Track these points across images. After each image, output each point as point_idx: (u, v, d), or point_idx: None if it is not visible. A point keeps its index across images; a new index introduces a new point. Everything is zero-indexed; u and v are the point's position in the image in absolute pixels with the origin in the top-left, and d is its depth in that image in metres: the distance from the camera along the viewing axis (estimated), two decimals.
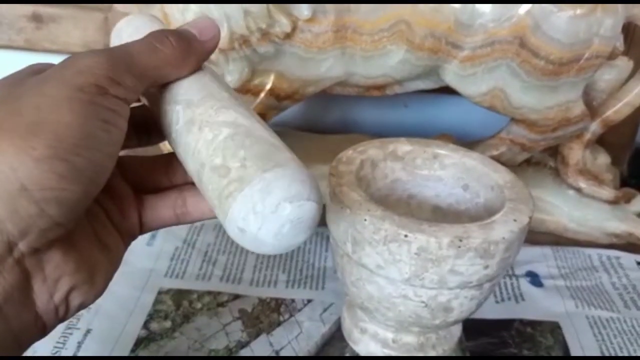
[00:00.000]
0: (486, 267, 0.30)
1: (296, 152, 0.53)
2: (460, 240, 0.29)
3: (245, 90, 0.45)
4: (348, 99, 0.69)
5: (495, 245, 0.29)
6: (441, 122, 0.63)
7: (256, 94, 0.45)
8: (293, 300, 0.42)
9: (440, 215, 0.38)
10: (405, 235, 0.29)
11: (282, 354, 0.37)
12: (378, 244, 0.30)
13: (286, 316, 0.40)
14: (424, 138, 0.39)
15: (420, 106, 0.69)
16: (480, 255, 0.29)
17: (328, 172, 0.34)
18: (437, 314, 0.32)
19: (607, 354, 0.39)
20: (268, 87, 0.45)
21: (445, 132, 0.54)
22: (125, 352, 0.36)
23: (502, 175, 0.35)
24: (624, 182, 0.56)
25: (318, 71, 0.44)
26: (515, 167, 0.51)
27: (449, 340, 0.37)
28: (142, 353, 0.36)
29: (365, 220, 0.30)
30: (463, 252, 0.29)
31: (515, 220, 0.31)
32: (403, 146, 0.38)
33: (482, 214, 0.35)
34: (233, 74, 0.43)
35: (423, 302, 0.31)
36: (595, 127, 0.49)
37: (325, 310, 0.41)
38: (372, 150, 0.37)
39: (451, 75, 0.45)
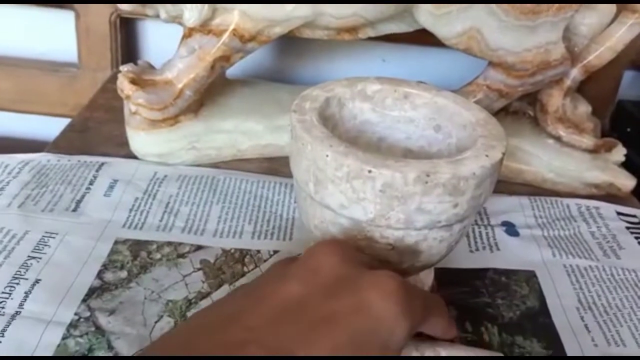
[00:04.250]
0: (455, 205, 0.28)
1: (268, 103, 0.51)
2: (428, 176, 0.27)
3: (207, 30, 0.42)
4: (323, 53, 0.66)
5: (465, 182, 0.28)
6: (419, 76, 0.61)
7: (218, 34, 0.42)
8: (258, 251, 0.40)
9: (412, 158, 0.36)
10: (369, 171, 0.27)
11: None
12: (341, 181, 0.28)
13: (251, 267, 0.38)
14: None
15: (398, 60, 0.67)
16: (449, 192, 0.27)
17: None
18: (405, 257, 0.30)
19: (584, 302, 0.38)
20: (231, 27, 0.42)
21: None
22: (77, 302, 0.34)
23: (474, 113, 0.33)
24: (605, 137, 0.54)
25: (284, 10, 0.41)
26: (492, 115, 0.49)
27: (421, 288, 0.35)
28: (94, 303, 0.34)
29: (327, 156, 0.28)
30: (430, 188, 0.27)
31: (487, 156, 0.29)
32: (372, 85, 0.35)
33: (454, 156, 0.33)
34: (192, 11, 0.40)
35: (390, 244, 0.29)
36: (575, 74, 0.47)
37: None
38: (339, 88, 0.34)
39: (426, 16, 0.42)
